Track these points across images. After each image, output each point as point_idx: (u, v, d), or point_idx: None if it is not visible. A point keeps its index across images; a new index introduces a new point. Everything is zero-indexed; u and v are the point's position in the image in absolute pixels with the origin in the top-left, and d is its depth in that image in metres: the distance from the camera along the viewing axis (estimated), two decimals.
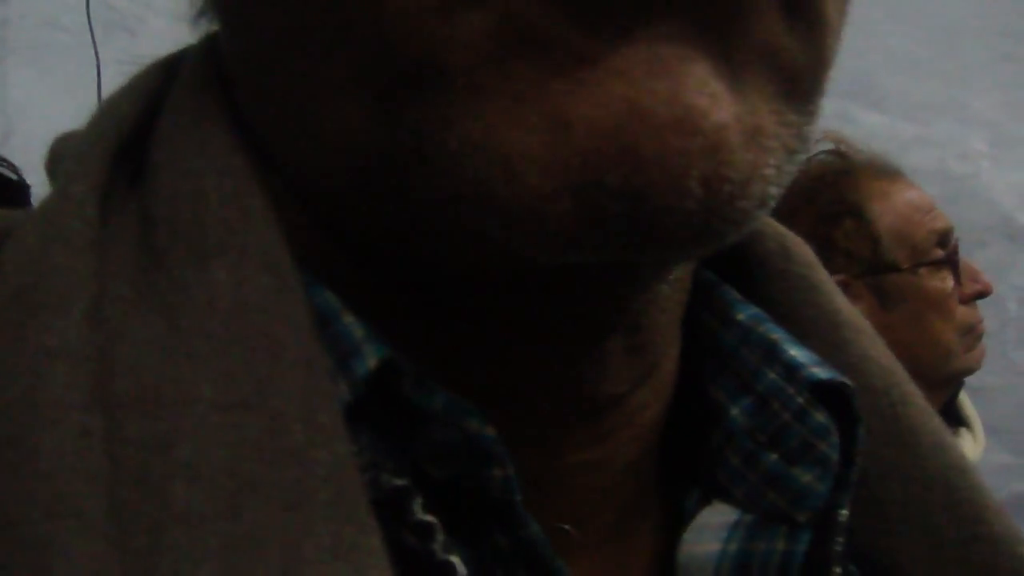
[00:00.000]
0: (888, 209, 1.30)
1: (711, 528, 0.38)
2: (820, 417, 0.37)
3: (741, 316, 0.39)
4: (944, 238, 1.30)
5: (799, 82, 0.30)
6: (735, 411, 0.39)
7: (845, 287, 1.30)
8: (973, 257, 1.95)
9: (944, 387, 1.36)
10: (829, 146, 1.36)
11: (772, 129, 0.29)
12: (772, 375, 0.38)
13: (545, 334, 0.33)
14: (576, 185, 0.27)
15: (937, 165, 2.04)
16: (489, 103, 0.27)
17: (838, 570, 0.38)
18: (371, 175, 0.30)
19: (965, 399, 1.45)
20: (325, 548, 0.26)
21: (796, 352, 0.38)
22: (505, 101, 0.27)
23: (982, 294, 1.33)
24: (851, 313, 0.44)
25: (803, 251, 0.44)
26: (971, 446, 1.41)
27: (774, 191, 0.29)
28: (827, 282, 0.44)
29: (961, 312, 1.31)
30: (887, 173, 1.33)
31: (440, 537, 0.31)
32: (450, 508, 0.32)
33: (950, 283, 1.30)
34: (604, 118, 0.26)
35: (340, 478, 0.28)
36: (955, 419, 1.44)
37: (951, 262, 1.29)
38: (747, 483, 0.38)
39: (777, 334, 0.39)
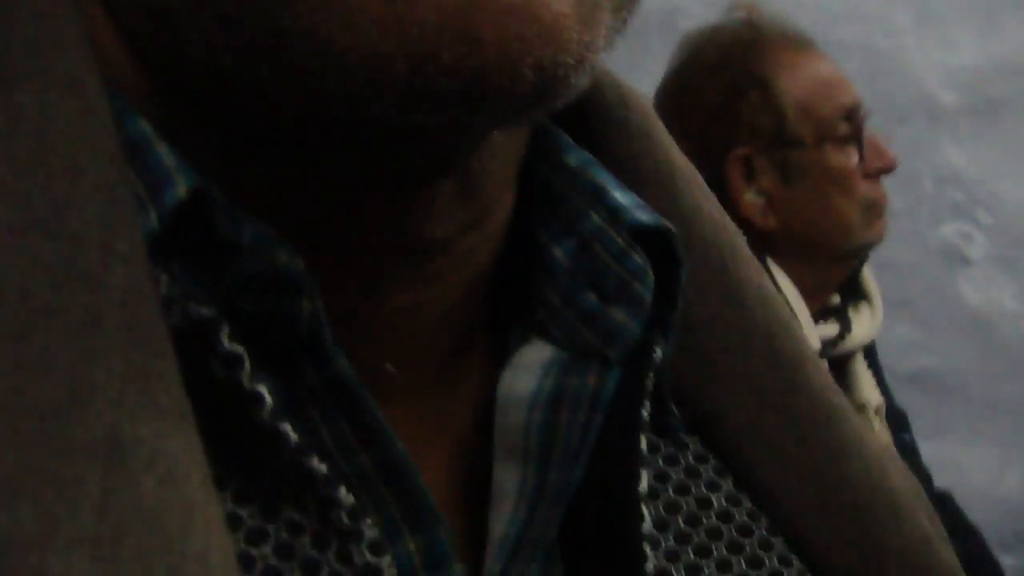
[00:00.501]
0: (795, 82, 1.31)
1: (528, 366, 0.38)
2: (638, 258, 0.38)
3: (570, 160, 0.40)
4: (851, 113, 1.31)
5: None
6: (558, 252, 0.39)
7: (748, 161, 1.32)
8: (893, 134, 1.98)
9: (845, 261, 1.39)
10: (741, 15, 1.36)
11: (605, 6, 0.30)
12: (596, 218, 0.39)
13: (369, 177, 0.34)
14: (412, 55, 0.28)
15: (862, 40, 2.05)
16: None
17: (647, 406, 0.38)
18: (200, 3, 0.30)
19: (867, 274, 1.48)
20: (115, 372, 0.27)
21: (621, 196, 0.39)
22: None
23: (885, 170, 1.35)
24: (686, 165, 0.45)
25: (641, 102, 0.45)
26: (869, 320, 1.45)
27: (601, 58, 0.31)
28: (663, 133, 0.45)
29: (864, 187, 1.33)
30: (797, 45, 1.34)
31: (247, 367, 0.31)
32: (261, 341, 0.32)
33: (854, 159, 1.31)
34: None
35: (135, 304, 0.28)
36: (856, 293, 1.47)
37: (856, 138, 1.31)
38: (565, 321, 0.39)
39: (603, 178, 0.39)
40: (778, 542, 0.41)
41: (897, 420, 1.66)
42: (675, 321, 0.39)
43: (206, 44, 0.30)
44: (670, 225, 0.39)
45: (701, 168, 1.37)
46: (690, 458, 0.42)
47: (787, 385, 0.42)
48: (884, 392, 1.58)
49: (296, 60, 0.29)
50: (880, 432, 1.48)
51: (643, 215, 0.38)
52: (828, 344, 1.37)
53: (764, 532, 0.41)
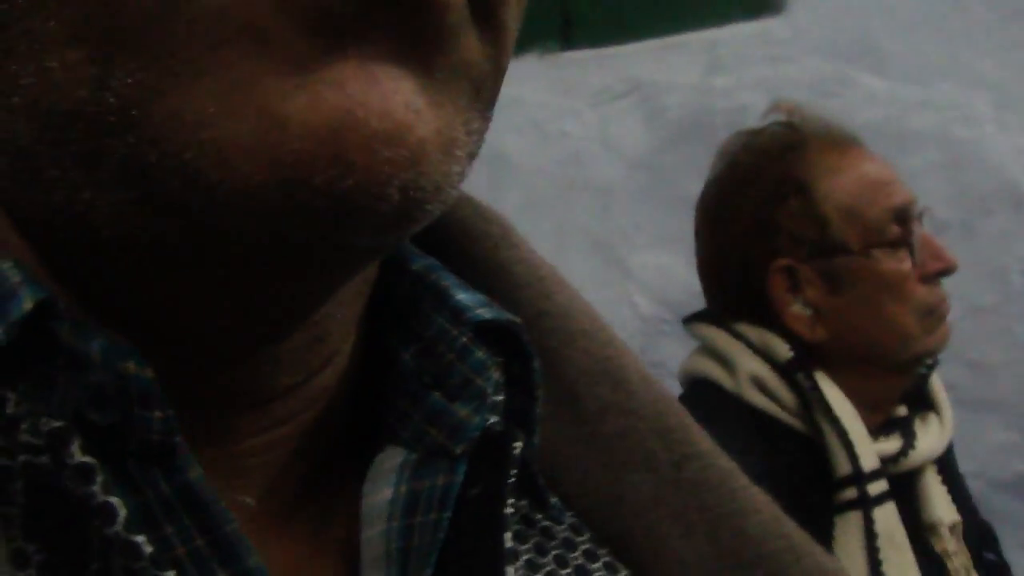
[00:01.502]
0: (837, 185, 1.25)
1: (384, 474, 0.39)
2: (480, 354, 0.40)
3: (415, 266, 0.42)
4: (901, 214, 1.25)
5: (483, 89, 0.34)
6: (405, 356, 0.41)
7: (791, 271, 1.26)
8: (976, 226, 1.90)
9: (905, 371, 1.32)
10: (781, 118, 1.31)
11: (463, 139, 0.33)
12: (440, 319, 0.41)
13: (220, 328, 0.35)
14: (284, 181, 0.29)
15: (939, 130, 1.99)
16: (204, 84, 0.29)
17: (510, 502, 0.39)
18: (63, 132, 0.30)
19: (935, 382, 1.41)
20: None
21: (464, 296, 0.41)
22: (221, 86, 0.29)
23: (944, 272, 1.28)
24: (551, 268, 0.48)
25: (498, 216, 0.48)
26: (937, 432, 1.37)
27: (456, 192, 0.33)
28: (525, 242, 0.48)
29: (921, 292, 1.26)
30: (840, 144, 1.29)
31: (100, 479, 0.32)
32: (115, 453, 0.33)
33: (907, 263, 1.25)
34: (319, 123, 0.29)
35: None
36: (923, 403, 1.40)
37: (906, 242, 1.24)
38: (413, 423, 0.40)
39: (448, 281, 0.42)
40: None
41: (982, 537, 1.56)
42: (536, 414, 0.41)
43: (66, 181, 0.31)
44: (514, 319, 0.41)
45: (742, 281, 1.32)
46: (571, 548, 0.43)
47: (679, 456, 0.45)
48: (965, 507, 1.49)
49: (162, 193, 0.30)
50: (957, 552, 1.38)
51: (486, 312, 0.41)
52: (890, 460, 1.29)
53: None
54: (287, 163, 0.29)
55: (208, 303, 0.34)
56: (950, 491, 1.42)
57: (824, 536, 1.24)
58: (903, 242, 1.25)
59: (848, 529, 1.23)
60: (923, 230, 1.29)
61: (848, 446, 1.23)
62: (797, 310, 1.27)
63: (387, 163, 0.30)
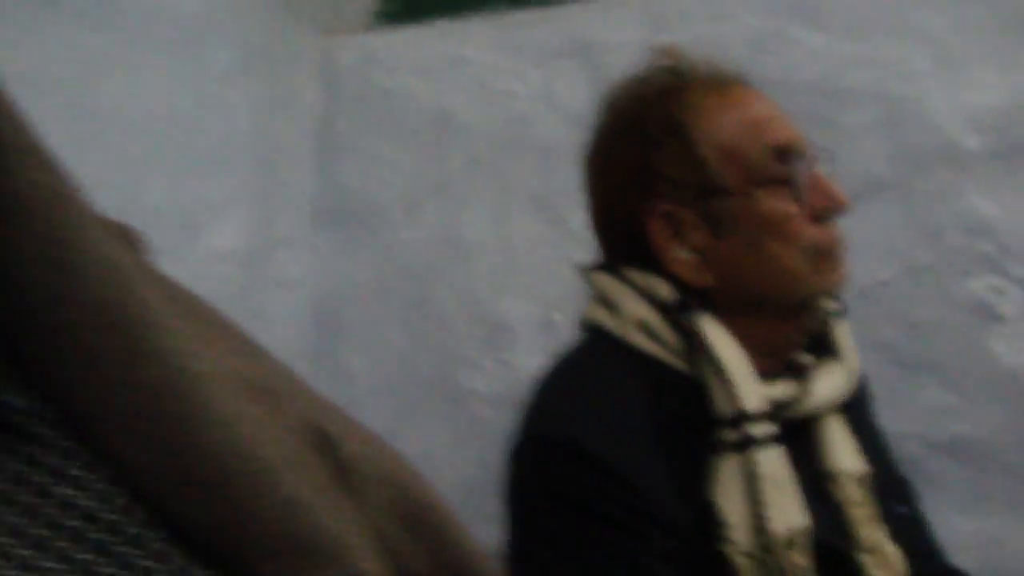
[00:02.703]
0: (716, 125, 1.24)
1: None
2: None
3: None
4: (784, 152, 1.24)
5: None
6: None
7: (672, 217, 1.25)
8: (914, 184, 1.88)
9: (797, 314, 1.31)
10: (665, 61, 1.30)
11: None
12: None
13: None
14: None
15: (877, 86, 1.97)
16: None
17: None
18: None
19: (840, 328, 1.39)
20: None
21: None
22: None
23: (834, 211, 1.26)
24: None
25: None
26: (838, 379, 1.36)
27: None
28: None
29: (809, 232, 1.25)
30: (720, 85, 1.28)
31: None
32: None
33: (792, 203, 1.24)
34: None
35: None
36: (826, 349, 1.38)
37: (789, 180, 1.23)
38: None
39: None
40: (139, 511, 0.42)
41: (894, 490, 1.55)
42: None
43: None
44: None
45: (626, 228, 1.31)
46: (33, 450, 0.42)
47: (131, 356, 0.42)
48: (879, 459, 1.48)
49: None
50: (860, 502, 1.37)
51: None
52: (783, 404, 1.28)
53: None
54: None
55: None
56: (861, 441, 1.40)
57: (706, 476, 1.23)
58: (786, 180, 1.24)
59: (728, 470, 1.22)
60: (815, 169, 1.28)
61: (729, 386, 1.22)
62: (681, 255, 1.26)
63: None
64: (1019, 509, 1.88)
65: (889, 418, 1.89)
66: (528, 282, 2.10)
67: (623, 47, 2.17)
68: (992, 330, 1.87)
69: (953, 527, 1.91)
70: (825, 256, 1.27)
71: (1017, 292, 1.86)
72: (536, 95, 2.28)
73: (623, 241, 1.31)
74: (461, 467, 2.18)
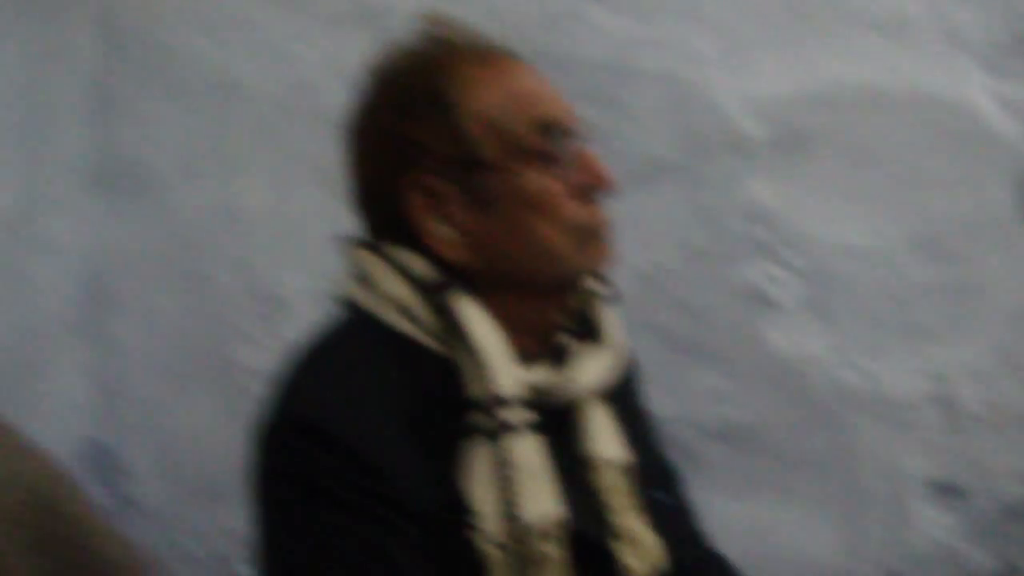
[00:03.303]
0: (478, 97, 1.20)
1: None
2: None
3: None
4: (547, 126, 1.21)
5: None
6: None
7: (431, 191, 1.21)
8: (698, 169, 1.88)
9: (560, 294, 1.28)
10: (432, 31, 1.25)
11: None
12: None
13: None
14: None
15: (665, 70, 1.96)
16: None
17: None
18: None
19: (608, 312, 1.37)
20: None
21: None
22: None
23: (599, 188, 1.24)
24: None
25: None
26: (602, 363, 1.33)
27: None
28: None
29: (572, 209, 1.21)
30: (486, 56, 1.24)
31: None
32: None
33: (554, 179, 1.20)
34: None
35: None
36: (590, 332, 1.36)
37: (552, 155, 1.20)
38: None
39: None
40: None
41: (659, 478, 1.54)
42: None
43: None
44: None
45: (385, 202, 1.23)
46: None
47: None
48: (644, 445, 1.46)
49: None
50: (618, 489, 1.35)
51: None
52: (542, 389, 1.25)
53: None
54: None
55: None
56: (626, 428, 1.38)
57: (457, 463, 1.19)
58: (550, 156, 1.20)
59: (479, 456, 1.19)
60: (583, 146, 1.25)
61: (483, 370, 1.19)
62: (440, 231, 1.22)
63: None
64: (788, 494, 1.91)
65: (661, 402, 1.89)
66: (307, 255, 2.03)
67: (409, 14, 2.11)
68: (766, 317, 1.89)
69: (723, 512, 1.93)
70: (589, 235, 1.24)
71: (792, 280, 1.88)
72: (323, 61, 2.20)
73: (383, 216, 1.26)
74: (232, 444, 2.09)
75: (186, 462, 2.36)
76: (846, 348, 1.86)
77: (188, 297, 2.32)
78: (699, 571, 1.58)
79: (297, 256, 2.20)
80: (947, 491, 1.85)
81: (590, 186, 1.23)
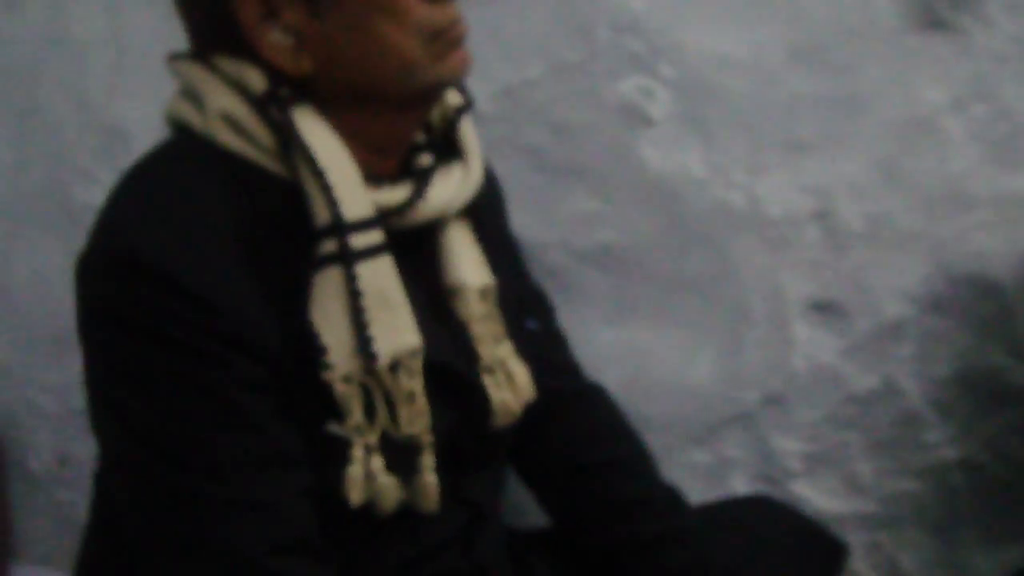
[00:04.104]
0: None
1: None
2: None
3: None
4: None
5: None
6: None
7: None
8: None
9: (413, 107, 1.17)
10: None
11: None
12: None
13: None
14: None
15: None
16: None
17: None
18: None
19: (466, 127, 1.26)
20: None
21: None
22: None
23: None
24: None
25: None
26: (459, 182, 1.24)
27: None
28: None
29: (422, 12, 1.09)
30: None
31: None
32: None
33: None
34: None
35: None
36: (452, 152, 1.25)
37: None
38: None
39: None
40: None
41: (526, 303, 1.45)
42: None
43: None
44: None
45: (212, 6, 1.03)
46: None
47: None
48: (509, 271, 1.38)
49: None
50: (484, 317, 1.27)
51: None
52: (393, 211, 1.14)
53: None
54: None
55: None
56: (489, 250, 1.29)
57: (305, 296, 1.09)
58: None
59: (327, 286, 1.08)
60: None
61: (327, 190, 1.07)
62: (275, 38, 1.09)
63: None
64: (664, 318, 1.85)
65: (531, 226, 1.81)
66: (145, 83, 1.87)
67: None
68: (640, 134, 1.80)
69: (598, 337, 1.87)
70: (443, 40, 1.12)
71: (665, 94, 1.79)
72: None
73: (212, 23, 1.12)
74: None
75: (30, 311, 2.22)
76: (724, 164, 1.78)
77: (20, 134, 2.15)
78: (574, 402, 1.52)
79: (134, 84, 2.04)
80: (827, 310, 1.80)
81: None
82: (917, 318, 1.80)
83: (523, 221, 1.70)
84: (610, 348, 1.86)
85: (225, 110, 1.10)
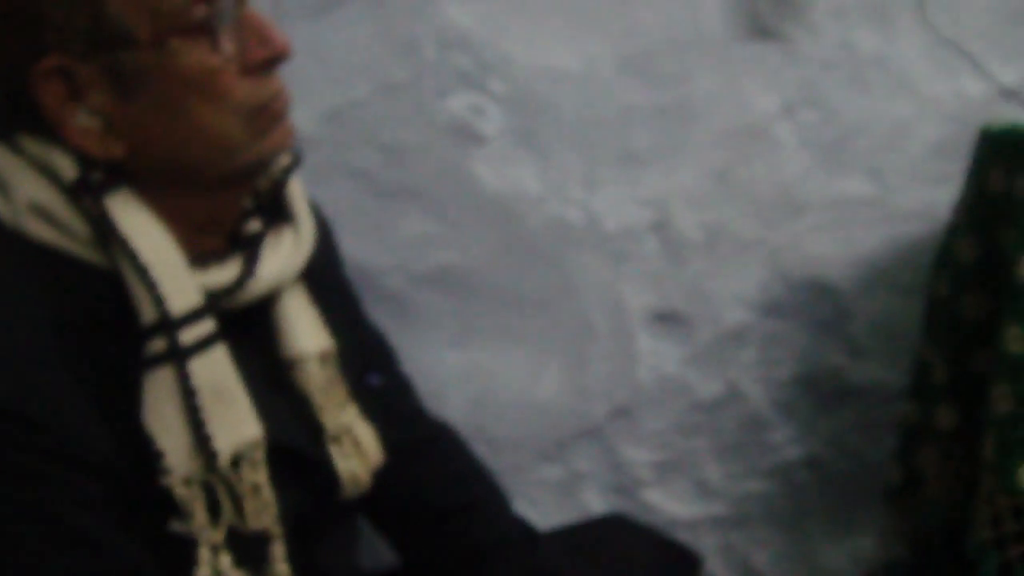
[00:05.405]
0: None
1: None
2: None
3: None
4: None
5: None
6: None
7: (68, 74, 1.01)
8: None
9: (239, 183, 1.12)
10: None
11: None
12: None
13: None
14: None
15: None
16: None
17: None
18: None
19: (293, 188, 1.22)
20: None
21: None
22: None
23: (273, 61, 1.07)
24: None
25: None
26: (291, 248, 1.19)
27: None
28: None
29: (242, 89, 1.04)
30: None
31: None
32: None
33: (216, 54, 1.02)
34: None
35: None
36: (281, 214, 1.21)
37: (211, 26, 1.01)
38: None
39: None
40: None
41: (368, 358, 1.42)
42: None
43: None
44: None
45: (15, 87, 1.00)
46: None
47: None
48: (347, 326, 1.34)
49: None
50: (326, 385, 1.23)
51: None
52: (223, 293, 1.10)
53: None
54: None
55: None
56: (326, 308, 1.25)
57: (136, 398, 1.03)
58: (210, 27, 1.02)
59: (159, 387, 1.03)
60: (247, 9, 1.06)
61: (151, 287, 1.02)
62: (81, 121, 1.02)
63: None
64: (507, 337, 1.84)
65: (368, 251, 1.77)
66: None
67: None
68: (472, 152, 1.77)
69: (442, 360, 1.85)
70: (263, 115, 1.07)
71: (496, 110, 1.77)
72: None
73: (17, 105, 1.05)
74: None
75: None
76: (559, 180, 1.77)
77: None
78: (425, 449, 1.50)
79: None
80: (669, 320, 1.82)
81: (262, 58, 1.06)
82: (757, 323, 1.82)
83: (358, 246, 1.66)
84: (455, 370, 1.84)
85: (34, 200, 1.03)
